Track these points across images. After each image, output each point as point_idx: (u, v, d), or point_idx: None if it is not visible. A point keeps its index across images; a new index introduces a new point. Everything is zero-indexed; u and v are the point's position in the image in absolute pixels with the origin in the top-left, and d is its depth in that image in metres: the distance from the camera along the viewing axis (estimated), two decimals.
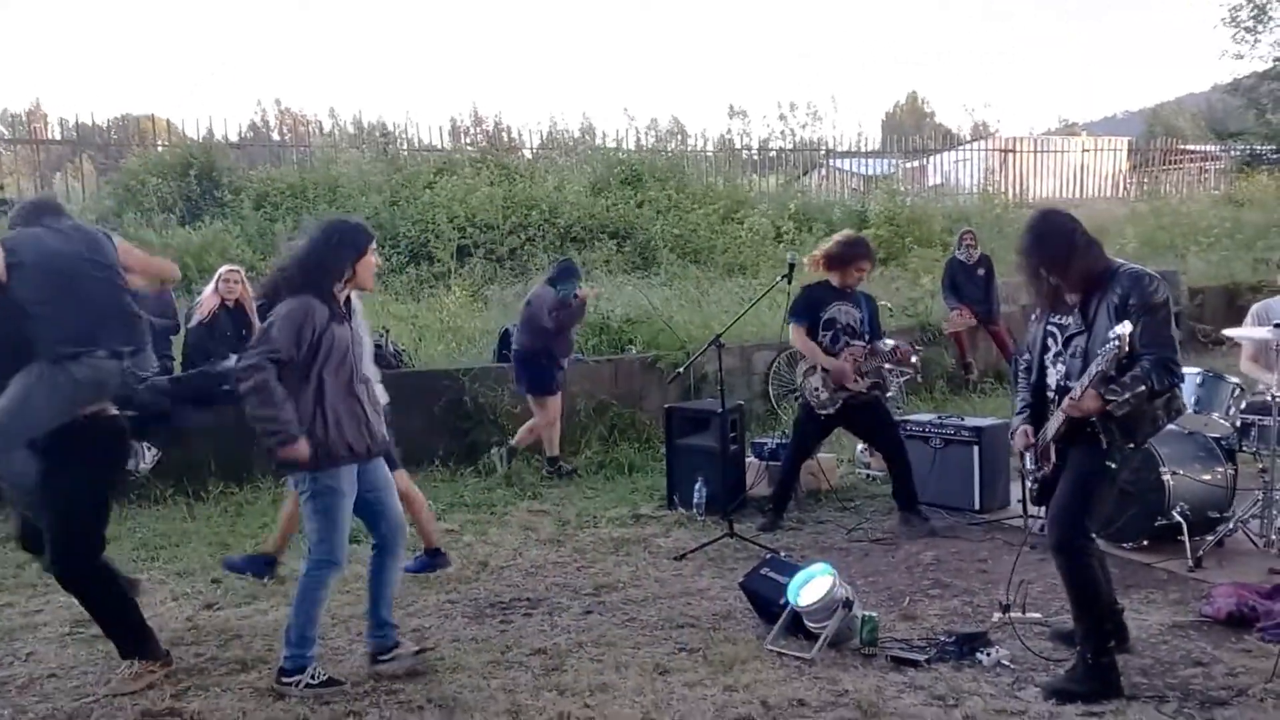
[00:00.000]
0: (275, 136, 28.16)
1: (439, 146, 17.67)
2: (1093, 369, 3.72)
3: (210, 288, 7.74)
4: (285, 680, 4.07)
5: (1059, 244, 3.95)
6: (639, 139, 19.03)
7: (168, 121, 18.73)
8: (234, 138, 16.62)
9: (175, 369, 7.66)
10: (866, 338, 6.35)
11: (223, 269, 7.91)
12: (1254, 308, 6.12)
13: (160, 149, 15.43)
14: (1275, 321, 5.66)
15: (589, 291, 8.20)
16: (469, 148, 17.98)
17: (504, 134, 21.29)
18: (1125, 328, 3.62)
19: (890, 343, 6.31)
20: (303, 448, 3.92)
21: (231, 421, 7.57)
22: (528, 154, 18.44)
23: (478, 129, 18.99)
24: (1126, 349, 3.62)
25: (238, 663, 4.43)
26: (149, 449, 7.32)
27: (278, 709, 3.96)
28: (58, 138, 16.38)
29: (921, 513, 6.30)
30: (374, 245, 4.25)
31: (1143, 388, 3.72)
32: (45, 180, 16.36)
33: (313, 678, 4.07)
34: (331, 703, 3.98)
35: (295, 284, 4.07)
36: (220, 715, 3.92)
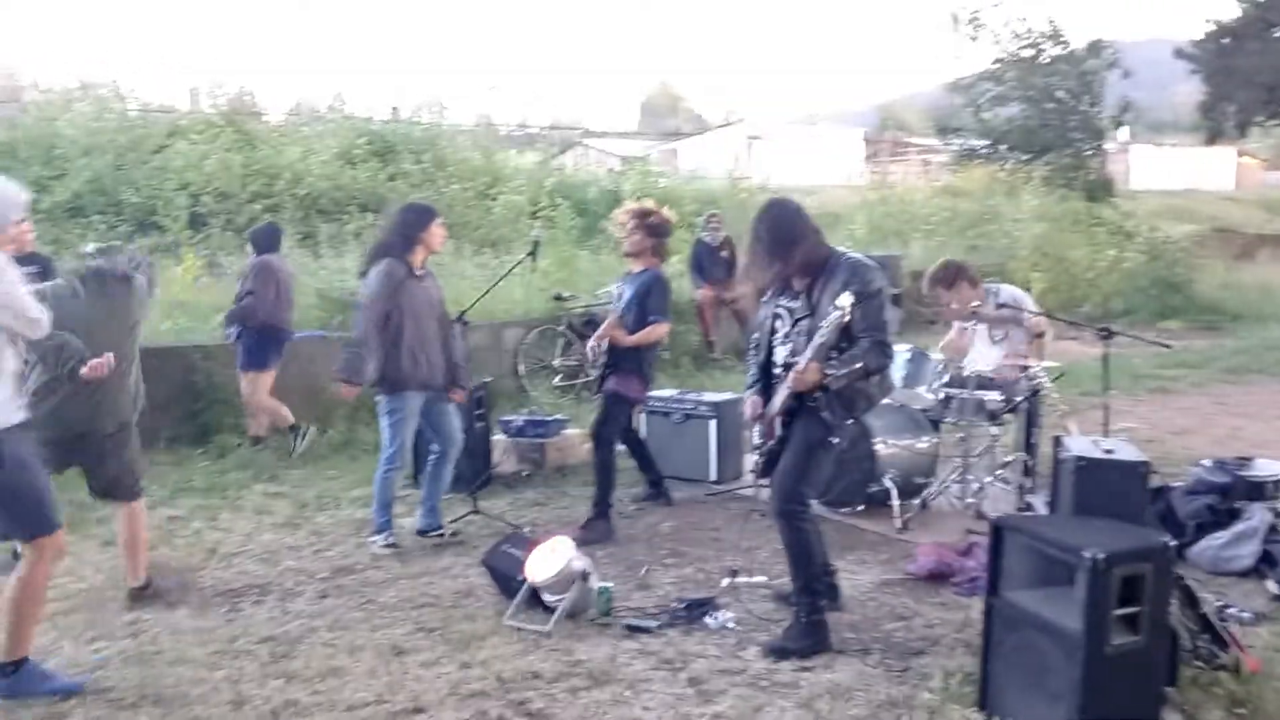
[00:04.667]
0: None
1: (174, 108, 16.51)
2: (816, 339, 3.97)
3: None
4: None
5: (785, 231, 4.19)
6: (394, 111, 18.55)
7: None
8: None
9: None
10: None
11: None
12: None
13: None
14: (999, 303, 6.22)
15: None
16: (208, 110, 16.88)
17: (248, 99, 20.13)
18: (847, 299, 3.89)
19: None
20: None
21: None
22: (272, 120, 17.54)
23: (219, 92, 17.79)
24: (848, 319, 3.89)
25: None
26: None
27: None
28: None
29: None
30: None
31: (859, 365, 4.01)
32: None
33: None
34: (32, 705, 3.70)
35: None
36: None
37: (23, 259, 7.03)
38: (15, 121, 14.65)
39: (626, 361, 5.83)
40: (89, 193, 12.39)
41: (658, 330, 5.86)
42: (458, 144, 17.45)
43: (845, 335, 4.02)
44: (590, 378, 6.23)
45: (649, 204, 6.12)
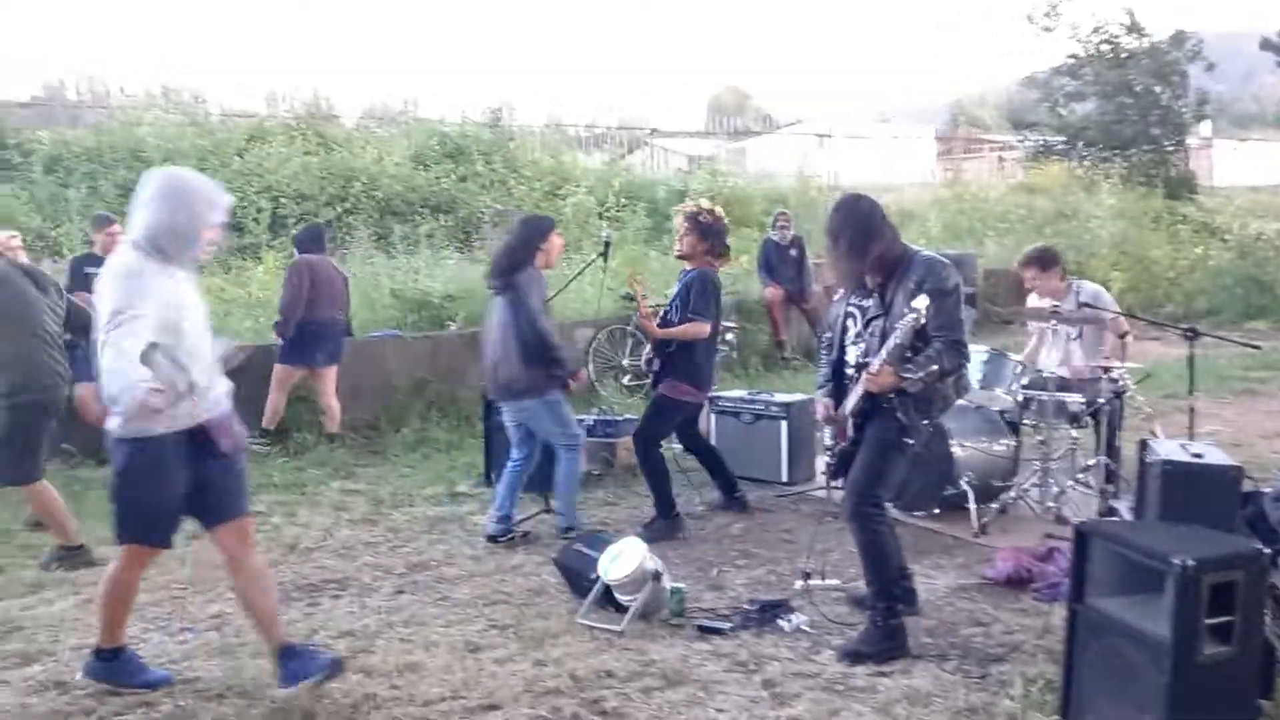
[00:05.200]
0: (72, 97, 26.15)
1: (253, 112, 16.90)
2: (891, 341, 3.92)
3: None
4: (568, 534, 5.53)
5: (860, 227, 4.14)
6: (464, 112, 18.76)
7: None
8: (24, 98, 15.45)
9: None
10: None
11: None
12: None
13: None
14: (1081, 301, 6.10)
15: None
16: (285, 114, 17.27)
17: (323, 102, 20.54)
18: (923, 301, 3.84)
19: None
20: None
21: None
22: (347, 123, 17.87)
23: (295, 96, 18.24)
24: (923, 321, 3.84)
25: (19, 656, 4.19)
26: None
27: (61, 701, 3.77)
28: None
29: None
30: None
31: (935, 367, 3.95)
32: None
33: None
34: (122, 693, 3.82)
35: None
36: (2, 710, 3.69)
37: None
38: (101, 126, 15.13)
39: (672, 362, 5.79)
40: None
41: (695, 329, 5.72)
42: (527, 145, 17.60)
43: (919, 335, 3.96)
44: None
45: (703, 203, 6.04)
